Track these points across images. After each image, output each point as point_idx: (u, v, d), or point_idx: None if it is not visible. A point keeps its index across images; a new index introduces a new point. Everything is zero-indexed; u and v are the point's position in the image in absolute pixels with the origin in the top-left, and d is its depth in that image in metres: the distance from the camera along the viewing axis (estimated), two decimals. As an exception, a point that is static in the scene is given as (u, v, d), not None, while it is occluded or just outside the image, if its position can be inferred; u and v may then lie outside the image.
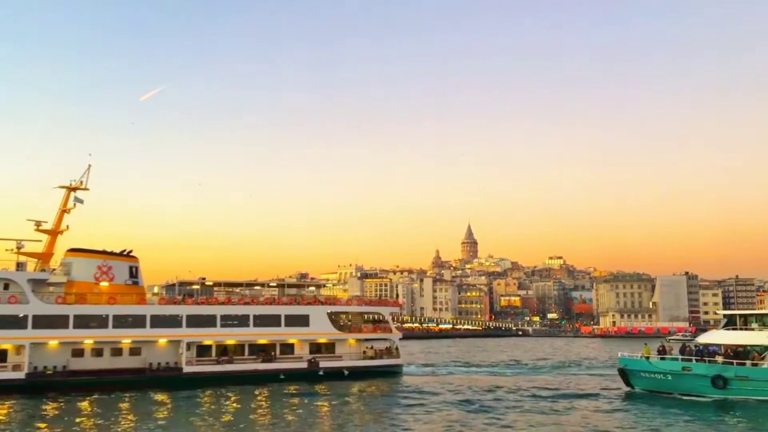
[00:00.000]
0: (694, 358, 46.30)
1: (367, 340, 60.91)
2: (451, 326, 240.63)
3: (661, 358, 47.61)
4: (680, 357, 46.97)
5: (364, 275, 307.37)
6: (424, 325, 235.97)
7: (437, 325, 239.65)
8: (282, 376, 52.79)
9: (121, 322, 49.52)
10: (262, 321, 54.70)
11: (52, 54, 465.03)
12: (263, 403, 43.18)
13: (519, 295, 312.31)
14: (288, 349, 55.72)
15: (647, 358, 48.23)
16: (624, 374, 48.88)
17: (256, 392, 47.26)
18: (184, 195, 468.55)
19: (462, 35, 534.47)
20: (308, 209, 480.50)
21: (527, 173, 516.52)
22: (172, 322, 51.18)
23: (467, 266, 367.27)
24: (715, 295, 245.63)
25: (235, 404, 42.30)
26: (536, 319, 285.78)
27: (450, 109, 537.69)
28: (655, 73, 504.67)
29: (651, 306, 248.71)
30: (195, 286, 57.39)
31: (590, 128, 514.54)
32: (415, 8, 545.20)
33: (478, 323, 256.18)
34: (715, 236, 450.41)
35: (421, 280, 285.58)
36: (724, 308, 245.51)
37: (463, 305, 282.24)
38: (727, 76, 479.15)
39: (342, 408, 40.96)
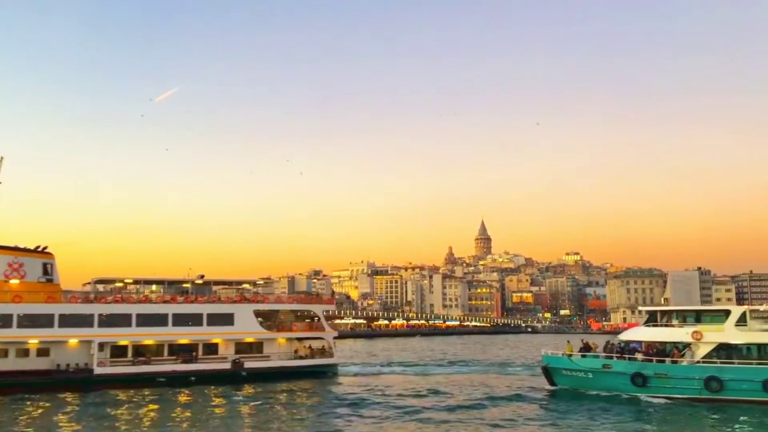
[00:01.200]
0: (615, 355, 44.74)
1: (298, 339, 58.43)
2: (458, 323, 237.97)
3: (583, 356, 46.06)
4: (601, 354, 45.31)
5: (375, 272, 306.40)
6: (431, 322, 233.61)
7: (444, 321, 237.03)
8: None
9: (28, 321, 47.64)
10: (182, 320, 52.33)
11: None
12: (179, 405, 41.11)
13: (531, 292, 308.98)
14: (212, 349, 53.51)
15: (570, 355, 46.50)
16: (547, 372, 47.33)
17: (175, 394, 45.27)
18: (189, 192, 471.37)
19: (475, 26, 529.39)
20: (323, 206, 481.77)
21: (544, 169, 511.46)
22: (83, 321, 49.09)
23: (480, 263, 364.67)
24: (728, 290, 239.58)
25: (147, 407, 40.22)
26: (547, 315, 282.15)
27: (464, 103, 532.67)
28: (669, 67, 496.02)
29: (662, 302, 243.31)
30: (118, 284, 55.81)
31: (606, 123, 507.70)
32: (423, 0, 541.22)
33: (487, 320, 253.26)
34: (734, 231, 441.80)
35: (431, 277, 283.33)
36: (738, 304, 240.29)
37: (473, 302, 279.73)
38: (741, 67, 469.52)
39: (260, 411, 38.88)
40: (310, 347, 59.15)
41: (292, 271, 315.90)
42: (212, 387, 48.36)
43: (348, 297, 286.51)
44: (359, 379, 54.47)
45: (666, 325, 44.49)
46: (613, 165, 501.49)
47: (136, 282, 55.97)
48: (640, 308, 50.80)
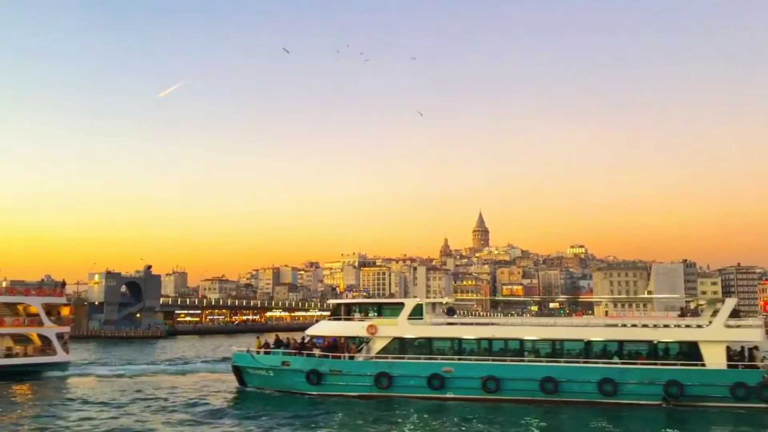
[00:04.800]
0: (295, 351, 41.86)
1: (14, 335, 51.82)
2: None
3: (266, 353, 42.77)
4: (282, 351, 42.40)
5: (362, 264, 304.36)
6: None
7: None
8: None
9: None
10: None
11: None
12: None
13: (522, 284, 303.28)
14: None
15: (258, 352, 43.29)
16: (237, 371, 43.74)
17: None
18: (186, 185, 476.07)
19: (467, 16, 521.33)
20: (323, 198, 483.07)
21: (546, 161, 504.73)
22: None
23: (476, 255, 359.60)
24: (714, 283, 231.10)
25: None
26: (534, 309, 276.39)
27: (463, 97, 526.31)
28: (670, 62, 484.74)
29: (646, 295, 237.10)
30: None
31: (606, 115, 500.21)
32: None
33: (468, 313, 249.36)
34: (744, 223, 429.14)
35: (414, 269, 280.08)
36: (724, 297, 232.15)
37: (459, 294, 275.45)
38: (734, 64, 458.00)
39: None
40: (53, 343, 52.34)
41: (289, 262, 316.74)
42: None
43: (333, 289, 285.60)
44: (83, 380, 49.70)
45: (347, 319, 41.83)
46: (618, 158, 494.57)
47: None
48: (329, 301, 47.12)
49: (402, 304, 41.47)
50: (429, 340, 39.81)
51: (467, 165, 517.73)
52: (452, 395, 37.49)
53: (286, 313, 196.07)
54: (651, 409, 35.08)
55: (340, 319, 42.24)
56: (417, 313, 40.40)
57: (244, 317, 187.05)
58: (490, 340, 39.01)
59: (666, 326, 38.40)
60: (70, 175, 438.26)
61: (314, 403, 37.82)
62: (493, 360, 38.01)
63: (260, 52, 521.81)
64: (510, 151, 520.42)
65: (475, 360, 38.28)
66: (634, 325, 39.29)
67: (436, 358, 38.85)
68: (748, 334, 36.35)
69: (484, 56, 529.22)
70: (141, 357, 73.65)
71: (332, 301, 47.08)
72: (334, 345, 41.21)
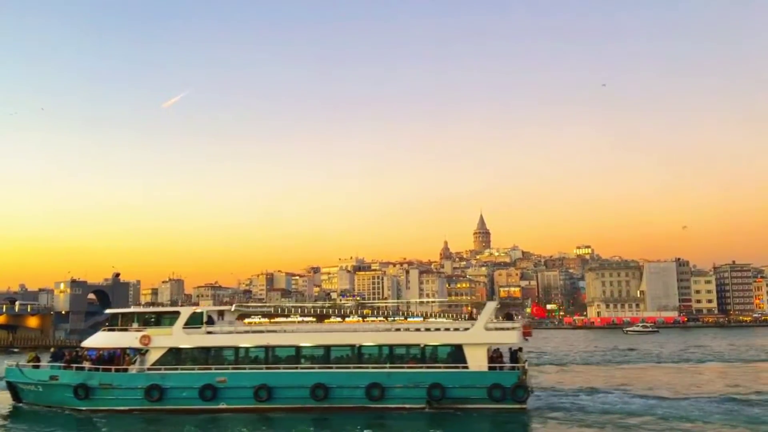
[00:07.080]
0: (68, 365, 38.99)
1: None
2: (422, 319, 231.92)
3: (35, 366, 39.87)
4: (51, 364, 39.49)
5: (357, 268, 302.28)
6: (390, 319, 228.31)
7: (405, 318, 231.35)
8: None
9: None
10: None
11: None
12: None
13: (520, 286, 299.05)
14: None
15: (34, 366, 40.16)
16: (11, 386, 40.49)
17: None
18: (190, 193, 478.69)
19: (467, 22, 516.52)
20: (324, 203, 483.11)
21: (550, 163, 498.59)
22: None
23: (476, 257, 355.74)
24: (708, 282, 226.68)
25: None
26: (529, 310, 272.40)
27: (462, 97, 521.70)
28: (668, 59, 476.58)
29: (639, 295, 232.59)
30: None
31: (604, 117, 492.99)
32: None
33: (459, 316, 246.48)
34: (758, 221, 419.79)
35: (407, 272, 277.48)
36: (718, 296, 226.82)
37: (453, 297, 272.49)
38: (728, 65, 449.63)
39: None
40: None
41: (292, 268, 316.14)
42: None
43: (328, 294, 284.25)
44: None
45: (122, 329, 39.33)
46: (617, 158, 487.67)
47: None
48: (107, 311, 42.86)
49: (178, 313, 39.58)
50: (205, 350, 37.84)
51: (469, 167, 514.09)
52: (225, 406, 35.84)
53: (266, 319, 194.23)
54: (414, 413, 33.81)
55: (115, 330, 39.76)
56: (196, 321, 38.55)
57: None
58: (266, 348, 37.22)
59: (437, 329, 37.17)
60: (68, 184, 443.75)
61: (81, 419, 35.95)
62: (266, 368, 36.48)
63: (259, 61, 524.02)
64: (511, 153, 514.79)
65: (248, 369, 36.63)
66: (407, 329, 38.64)
67: (211, 368, 37.01)
68: (506, 336, 36.16)
69: (484, 60, 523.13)
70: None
71: (109, 311, 44.35)
72: (111, 357, 39.17)
